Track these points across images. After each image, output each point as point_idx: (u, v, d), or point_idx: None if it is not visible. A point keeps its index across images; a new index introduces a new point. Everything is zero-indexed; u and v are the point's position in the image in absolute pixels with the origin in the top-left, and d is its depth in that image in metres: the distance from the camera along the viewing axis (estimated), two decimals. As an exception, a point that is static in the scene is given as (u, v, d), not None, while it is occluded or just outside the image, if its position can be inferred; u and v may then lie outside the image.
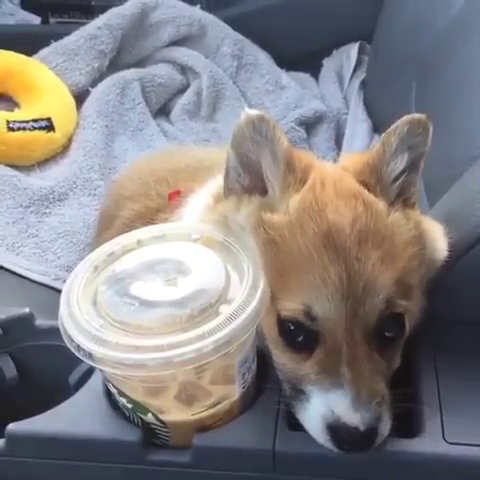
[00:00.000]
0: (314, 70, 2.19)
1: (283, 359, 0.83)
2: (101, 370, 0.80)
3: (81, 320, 0.77)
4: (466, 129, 1.22)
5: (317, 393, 0.79)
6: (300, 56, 2.18)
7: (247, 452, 0.80)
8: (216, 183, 0.96)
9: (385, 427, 0.78)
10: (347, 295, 0.79)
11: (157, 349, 0.73)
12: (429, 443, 0.78)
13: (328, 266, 0.79)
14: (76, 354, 0.76)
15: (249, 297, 0.77)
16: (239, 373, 0.81)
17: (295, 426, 0.81)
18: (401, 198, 0.87)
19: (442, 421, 0.79)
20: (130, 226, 1.27)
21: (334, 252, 0.80)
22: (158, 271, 0.82)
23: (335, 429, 0.77)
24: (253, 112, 0.83)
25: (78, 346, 0.76)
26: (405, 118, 0.84)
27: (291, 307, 0.80)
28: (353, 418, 0.76)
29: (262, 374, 0.86)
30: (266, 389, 0.85)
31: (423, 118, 0.85)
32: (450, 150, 1.23)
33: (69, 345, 0.77)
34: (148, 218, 1.25)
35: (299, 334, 0.81)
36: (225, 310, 0.76)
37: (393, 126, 0.84)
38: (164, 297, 0.78)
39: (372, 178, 0.86)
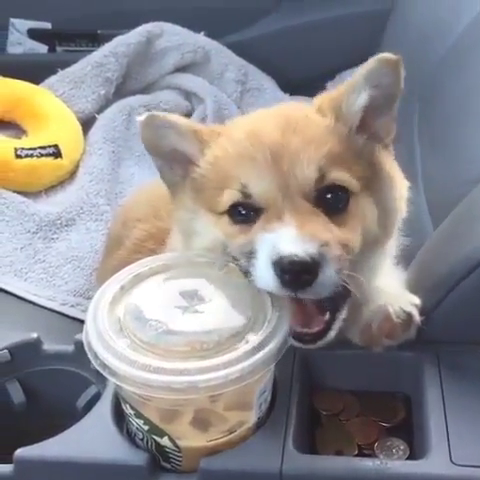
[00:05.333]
0: (318, 94, 2.20)
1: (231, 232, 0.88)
2: (119, 390, 0.80)
3: (107, 338, 0.77)
4: (469, 151, 1.22)
5: (262, 241, 0.82)
6: (303, 80, 2.19)
7: (254, 475, 0.79)
8: None
9: (330, 271, 0.79)
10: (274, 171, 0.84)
11: (184, 373, 0.73)
12: (436, 465, 0.77)
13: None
14: (100, 371, 0.76)
15: (276, 328, 0.78)
16: (257, 402, 0.81)
17: (303, 449, 0.81)
18: (368, 134, 0.91)
19: (449, 443, 0.79)
20: (141, 246, 1.28)
21: (260, 144, 0.87)
22: (185, 296, 0.82)
23: (278, 261, 0.78)
24: (141, 116, 0.91)
25: (103, 363, 0.75)
26: (376, 56, 0.87)
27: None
28: (293, 248, 0.77)
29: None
30: (273, 413, 0.84)
31: (393, 58, 0.86)
32: (453, 172, 1.24)
33: (93, 361, 0.77)
34: (160, 238, 1.24)
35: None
36: (252, 339, 0.76)
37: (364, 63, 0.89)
38: (192, 322, 0.78)
39: (329, 104, 0.95)
